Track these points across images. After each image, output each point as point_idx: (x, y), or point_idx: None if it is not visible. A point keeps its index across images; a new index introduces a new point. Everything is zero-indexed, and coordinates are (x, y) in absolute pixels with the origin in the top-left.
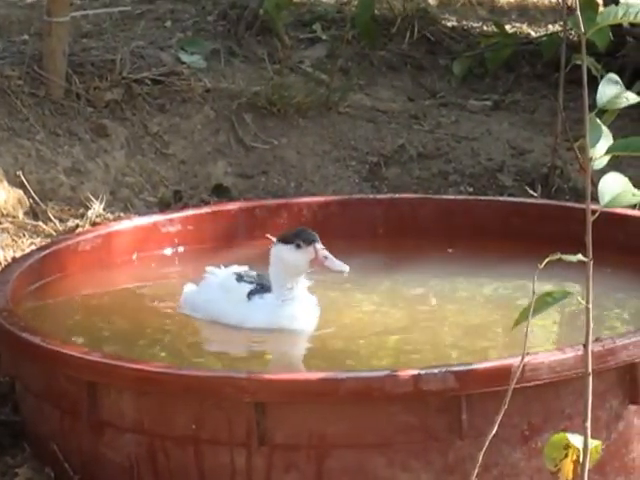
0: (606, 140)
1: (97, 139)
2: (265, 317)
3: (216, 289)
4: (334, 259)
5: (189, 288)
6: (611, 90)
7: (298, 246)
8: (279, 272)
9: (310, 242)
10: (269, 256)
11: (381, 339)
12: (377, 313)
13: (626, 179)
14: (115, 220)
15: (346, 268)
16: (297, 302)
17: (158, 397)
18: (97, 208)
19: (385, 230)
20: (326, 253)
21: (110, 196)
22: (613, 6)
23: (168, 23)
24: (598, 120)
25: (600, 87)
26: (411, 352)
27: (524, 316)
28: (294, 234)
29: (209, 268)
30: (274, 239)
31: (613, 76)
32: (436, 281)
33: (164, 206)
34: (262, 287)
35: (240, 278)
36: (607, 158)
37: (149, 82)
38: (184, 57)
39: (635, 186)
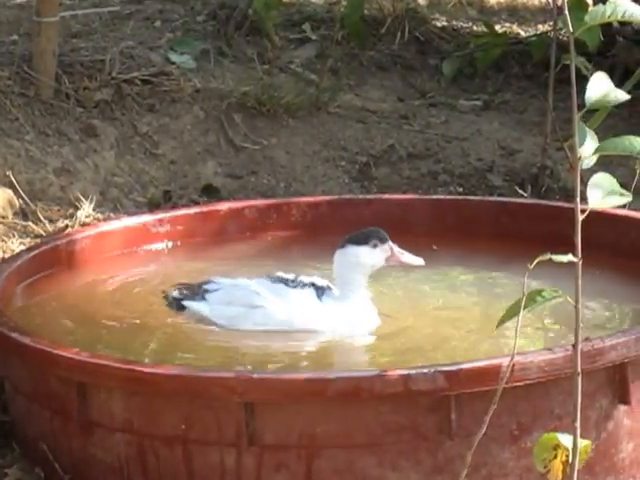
0: (592, 140)
1: (87, 139)
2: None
3: (259, 296)
4: (409, 254)
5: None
6: (600, 89)
7: (375, 246)
8: (351, 273)
9: (385, 241)
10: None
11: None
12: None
13: (614, 180)
14: (105, 220)
15: (422, 261)
16: (366, 303)
17: (147, 397)
18: (87, 208)
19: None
20: (401, 250)
21: (100, 196)
22: (601, 5)
23: (157, 23)
24: (580, 120)
25: (589, 86)
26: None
27: (510, 314)
28: (367, 234)
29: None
30: (342, 242)
31: (602, 74)
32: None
33: (154, 206)
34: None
35: (285, 281)
36: (595, 157)
37: (138, 82)
38: (173, 57)
39: (624, 186)
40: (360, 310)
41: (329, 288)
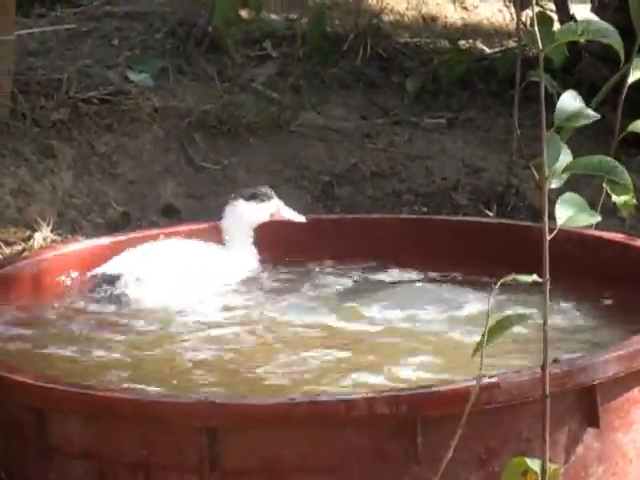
0: (565, 158)
1: (44, 160)
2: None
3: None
4: (291, 211)
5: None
6: (570, 107)
7: (262, 201)
8: (237, 226)
9: (270, 198)
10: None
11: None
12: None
13: (583, 200)
14: (62, 242)
15: (303, 218)
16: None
17: (107, 422)
18: (44, 230)
19: (337, 251)
20: (284, 207)
21: (57, 218)
22: (572, 23)
23: (115, 41)
24: (558, 137)
25: (559, 104)
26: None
27: (490, 338)
28: (254, 192)
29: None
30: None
31: (572, 92)
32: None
33: (112, 228)
34: None
35: None
36: (564, 177)
37: (96, 101)
38: (132, 76)
39: (591, 205)
40: (243, 255)
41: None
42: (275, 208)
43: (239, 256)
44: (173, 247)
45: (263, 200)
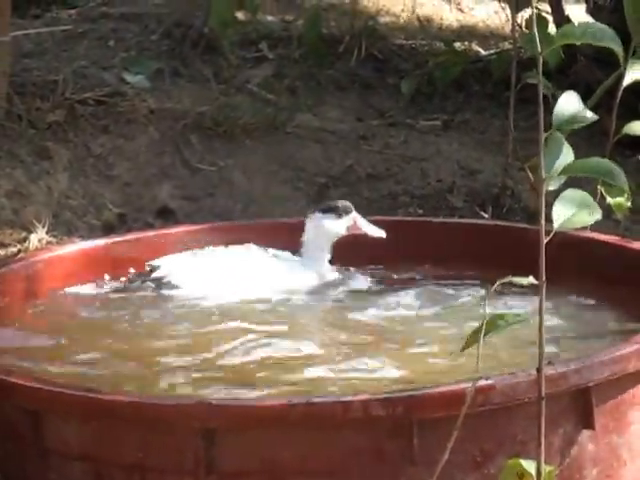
0: (565, 159)
1: (39, 161)
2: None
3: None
4: (371, 225)
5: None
6: (569, 108)
7: (339, 215)
8: (314, 240)
9: (348, 212)
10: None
11: None
12: None
13: (584, 194)
14: (58, 244)
15: (382, 233)
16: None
17: (104, 424)
18: (40, 232)
19: (334, 252)
20: (364, 221)
21: (53, 219)
22: (570, 25)
23: (111, 42)
24: (561, 136)
25: (557, 105)
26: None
27: (473, 339)
28: (332, 205)
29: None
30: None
31: (572, 93)
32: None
33: (108, 229)
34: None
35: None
36: (561, 179)
37: (92, 103)
38: (128, 77)
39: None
40: (318, 269)
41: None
42: (353, 222)
43: (311, 268)
44: (236, 252)
45: (341, 214)
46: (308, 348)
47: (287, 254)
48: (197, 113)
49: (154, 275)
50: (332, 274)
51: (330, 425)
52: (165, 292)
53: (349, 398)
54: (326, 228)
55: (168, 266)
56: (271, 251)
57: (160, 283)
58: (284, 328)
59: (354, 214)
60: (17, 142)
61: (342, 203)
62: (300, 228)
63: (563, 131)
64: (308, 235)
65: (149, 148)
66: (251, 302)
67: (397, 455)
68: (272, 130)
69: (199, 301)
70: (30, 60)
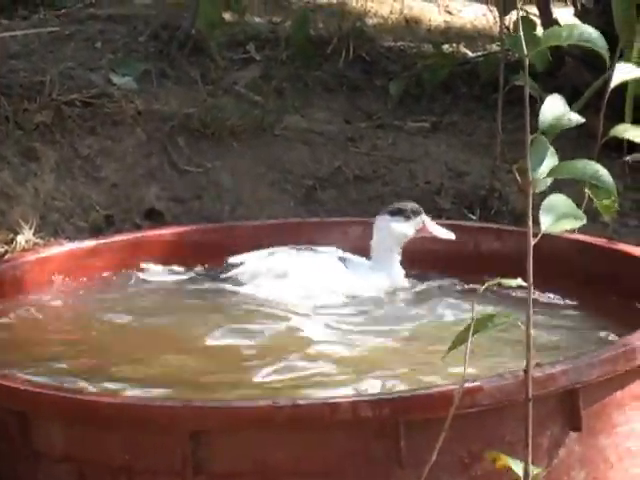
0: (551, 162)
1: (26, 162)
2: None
3: None
4: (440, 227)
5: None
6: (555, 111)
7: (407, 217)
8: (383, 242)
9: (417, 214)
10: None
11: None
12: None
13: (570, 200)
14: (45, 245)
15: (451, 235)
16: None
17: (90, 426)
18: (26, 233)
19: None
20: (433, 223)
21: (40, 221)
22: (557, 27)
23: (98, 44)
24: (545, 140)
25: (543, 108)
26: None
27: (460, 340)
28: (400, 207)
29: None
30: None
31: (557, 96)
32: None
33: (95, 231)
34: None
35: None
36: (549, 181)
37: (79, 104)
38: (115, 78)
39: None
40: (389, 273)
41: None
42: (422, 224)
43: (381, 272)
44: (308, 254)
45: (409, 216)
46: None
47: (358, 258)
48: (184, 115)
49: (226, 272)
50: (402, 278)
51: (317, 427)
52: (232, 288)
53: (336, 400)
54: (394, 231)
55: (242, 263)
56: (341, 253)
57: (230, 279)
58: (349, 333)
59: (423, 216)
60: (4, 143)
61: (411, 205)
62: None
63: (550, 133)
64: (376, 238)
65: (136, 150)
66: (317, 305)
67: (385, 457)
68: (260, 132)
69: (263, 301)
70: (17, 61)
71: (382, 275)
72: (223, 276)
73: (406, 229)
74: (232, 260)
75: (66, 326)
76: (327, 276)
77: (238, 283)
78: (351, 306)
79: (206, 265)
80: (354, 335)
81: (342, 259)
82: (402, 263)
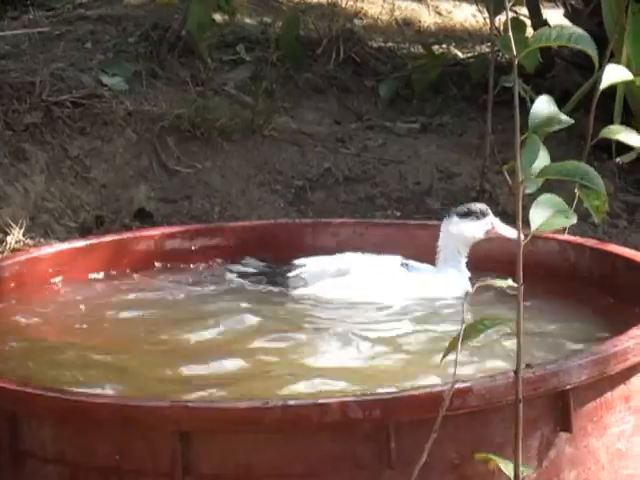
0: (541, 162)
1: (16, 163)
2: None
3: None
4: (508, 227)
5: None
6: (544, 112)
7: (477, 218)
8: (451, 244)
9: (485, 215)
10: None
11: None
12: None
13: (560, 200)
14: (35, 246)
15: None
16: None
17: (80, 427)
18: (16, 234)
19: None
20: (502, 224)
21: (30, 221)
22: (546, 28)
23: (88, 44)
24: (537, 140)
25: (533, 109)
26: None
27: (453, 345)
28: (469, 208)
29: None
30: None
31: (546, 97)
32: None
33: (85, 231)
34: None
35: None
36: (539, 182)
37: (69, 105)
38: (105, 79)
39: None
40: (456, 276)
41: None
42: (490, 225)
43: (448, 276)
44: (373, 259)
45: (478, 217)
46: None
47: (421, 264)
48: (174, 115)
49: (289, 273)
50: (467, 281)
51: (307, 428)
52: (293, 290)
53: (326, 400)
54: (464, 232)
55: (305, 266)
56: (403, 259)
57: (292, 281)
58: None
59: (491, 217)
60: None
61: (479, 205)
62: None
63: (540, 134)
64: (444, 240)
65: (126, 150)
66: (379, 308)
67: (374, 458)
68: (249, 133)
69: (324, 303)
70: (7, 62)
71: (449, 278)
72: (288, 275)
73: (476, 231)
74: (297, 261)
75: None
76: (391, 279)
77: (302, 284)
78: (418, 309)
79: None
80: (410, 340)
81: (404, 264)
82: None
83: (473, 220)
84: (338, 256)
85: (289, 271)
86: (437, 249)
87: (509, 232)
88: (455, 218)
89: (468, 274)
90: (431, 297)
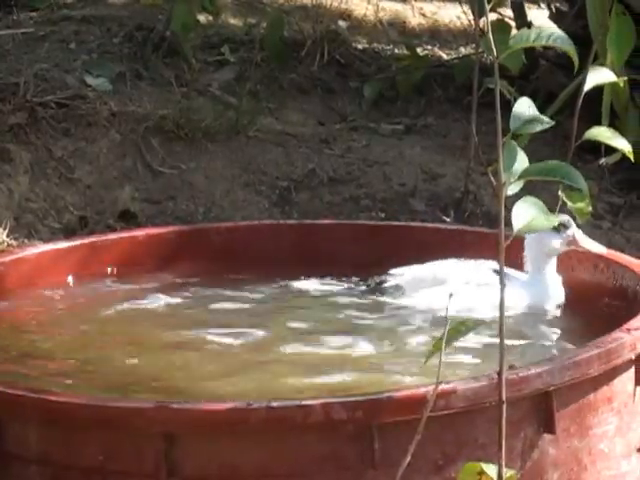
0: (521, 164)
1: (0, 164)
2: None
3: None
4: (591, 241)
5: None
6: (525, 113)
7: (557, 230)
8: (535, 255)
9: (567, 227)
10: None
11: None
12: None
13: (541, 203)
14: (19, 247)
15: (603, 249)
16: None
17: (63, 428)
18: (0, 235)
19: (295, 256)
20: (584, 236)
21: (14, 222)
22: (525, 29)
23: (73, 45)
24: (514, 143)
25: (514, 110)
26: None
27: (438, 347)
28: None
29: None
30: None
31: (526, 99)
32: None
33: (69, 232)
34: None
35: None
36: (521, 183)
37: (53, 105)
38: (89, 80)
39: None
40: (544, 287)
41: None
42: (572, 237)
43: (536, 287)
44: (469, 266)
45: (559, 229)
46: None
47: (515, 271)
48: (159, 116)
49: (386, 283)
50: (556, 291)
51: (291, 429)
52: (389, 299)
53: (309, 402)
54: (544, 243)
55: (402, 275)
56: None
57: (388, 290)
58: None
59: (574, 229)
60: None
61: (562, 217)
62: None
63: (524, 136)
64: (528, 251)
65: (110, 151)
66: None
67: (358, 459)
68: (234, 133)
69: (424, 313)
70: None
71: (536, 290)
72: (384, 286)
73: (556, 243)
74: (394, 271)
75: None
76: (488, 289)
77: (398, 294)
78: (513, 319)
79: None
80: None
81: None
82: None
83: (555, 232)
84: (434, 264)
85: (386, 281)
86: (524, 258)
87: (592, 245)
88: None
89: (559, 282)
90: (525, 306)
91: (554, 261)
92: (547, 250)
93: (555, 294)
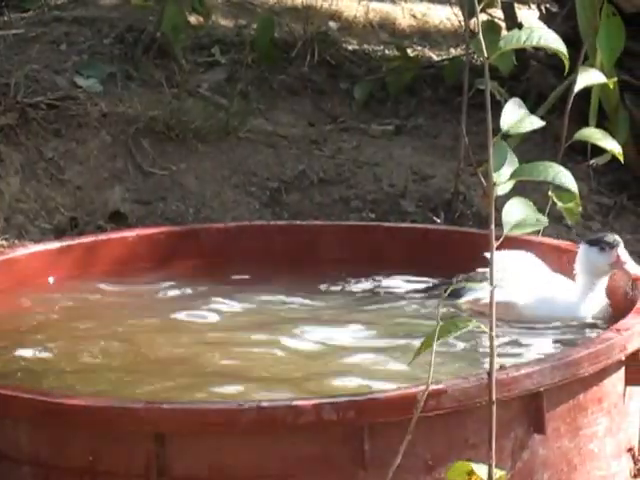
0: (511, 165)
1: None
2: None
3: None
4: (634, 264)
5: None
6: (515, 114)
7: (602, 249)
8: (581, 270)
9: (613, 246)
10: None
11: None
12: None
13: (530, 203)
14: (10, 247)
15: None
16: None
17: (54, 428)
18: None
19: (286, 258)
20: (629, 258)
21: (4, 223)
22: (516, 30)
23: (63, 46)
24: (504, 144)
25: (504, 111)
26: None
27: (427, 345)
28: (599, 237)
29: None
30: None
31: (517, 100)
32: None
33: (60, 233)
34: None
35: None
36: (511, 184)
37: (44, 106)
38: (80, 81)
39: (539, 211)
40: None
41: None
42: (616, 257)
43: (579, 299)
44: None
45: (604, 247)
46: None
47: (565, 280)
48: (149, 117)
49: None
50: (594, 309)
51: (282, 429)
52: (458, 299)
53: (300, 402)
54: (590, 261)
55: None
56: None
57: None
58: None
59: (620, 249)
60: None
61: (610, 236)
62: None
63: (514, 137)
64: (577, 266)
65: (101, 152)
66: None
67: (349, 460)
68: (224, 134)
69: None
70: None
71: (579, 302)
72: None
73: (599, 261)
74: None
75: None
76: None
77: (468, 292)
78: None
79: None
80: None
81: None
82: None
83: (599, 250)
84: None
85: (458, 280)
86: (574, 271)
87: (635, 268)
88: (585, 245)
89: (600, 302)
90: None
91: (604, 280)
92: (594, 270)
93: (590, 309)
